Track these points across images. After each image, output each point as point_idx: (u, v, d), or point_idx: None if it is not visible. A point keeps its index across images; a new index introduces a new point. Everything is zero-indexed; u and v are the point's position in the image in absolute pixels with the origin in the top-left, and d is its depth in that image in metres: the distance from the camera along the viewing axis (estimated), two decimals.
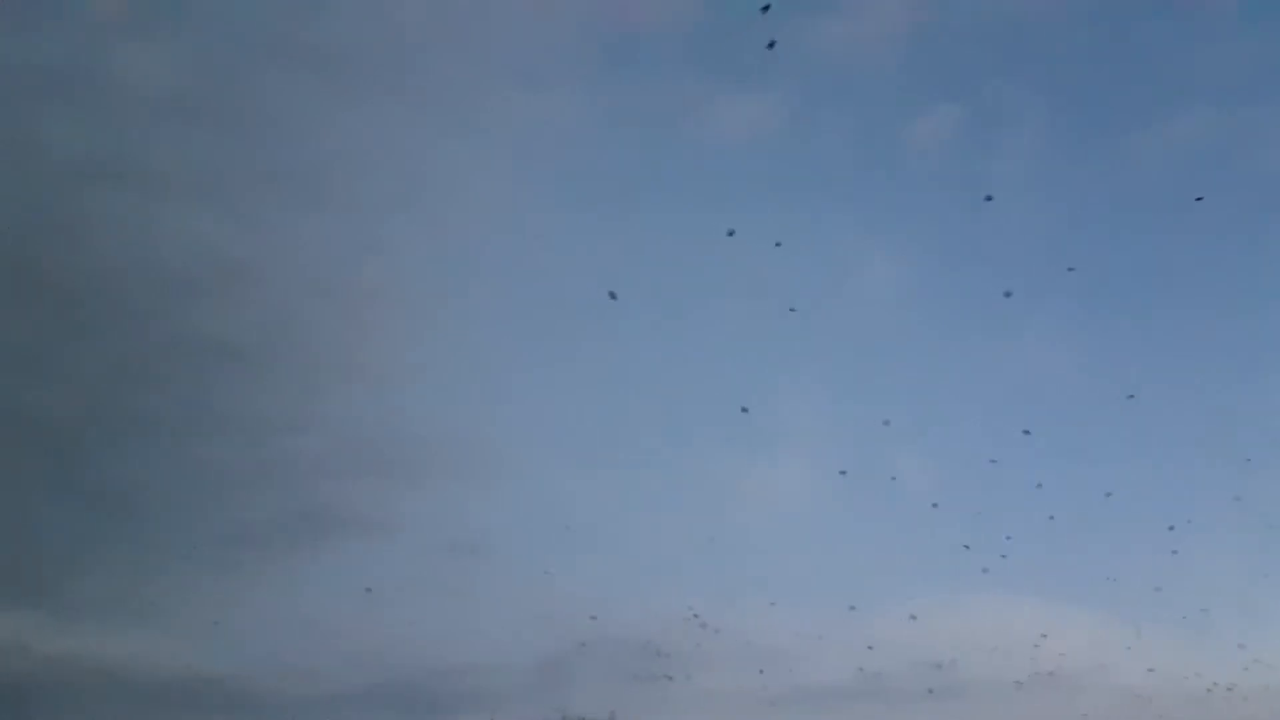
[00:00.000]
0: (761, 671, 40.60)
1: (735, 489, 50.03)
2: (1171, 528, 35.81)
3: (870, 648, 37.78)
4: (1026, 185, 56.82)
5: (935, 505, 36.22)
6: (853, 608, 38.70)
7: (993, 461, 39.06)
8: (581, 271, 55.80)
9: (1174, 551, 36.03)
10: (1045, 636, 37.40)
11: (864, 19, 55.75)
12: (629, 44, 57.58)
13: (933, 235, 57.10)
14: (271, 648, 37.27)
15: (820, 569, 46.57)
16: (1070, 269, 52.14)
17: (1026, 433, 38.31)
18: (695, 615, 41.02)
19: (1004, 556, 35.74)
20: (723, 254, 56.42)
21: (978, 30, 56.65)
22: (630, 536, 47.22)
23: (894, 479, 42.42)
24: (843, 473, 37.08)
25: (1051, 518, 36.45)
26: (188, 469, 38.53)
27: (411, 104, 53.95)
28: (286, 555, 40.99)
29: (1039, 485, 38.05)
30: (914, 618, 38.63)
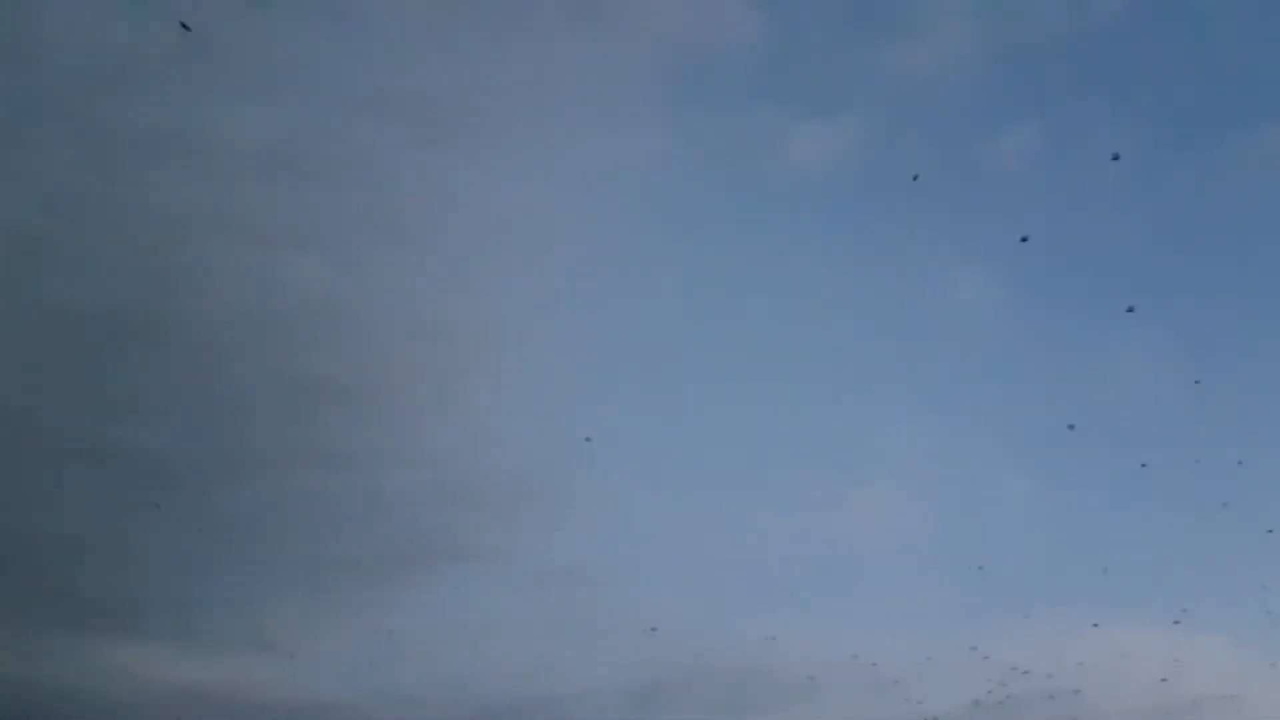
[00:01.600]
0: None
1: (836, 512, 49.41)
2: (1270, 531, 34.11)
3: (989, 674, 36.79)
4: (1112, 199, 55.52)
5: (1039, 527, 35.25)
6: (966, 632, 37.58)
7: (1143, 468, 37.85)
8: (667, 301, 56.28)
9: None
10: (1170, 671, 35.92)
11: (938, 40, 55.58)
12: (700, 77, 58.50)
13: (1021, 251, 56.03)
14: (374, 674, 38.04)
15: (929, 593, 45.46)
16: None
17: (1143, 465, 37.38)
18: (797, 640, 40.40)
19: (1120, 579, 34.59)
20: (808, 278, 56.32)
21: (1055, 45, 55.92)
22: (727, 563, 46.90)
23: (999, 497, 41.53)
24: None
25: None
26: (295, 503, 39.87)
27: (497, 149, 55.65)
28: (388, 584, 41.92)
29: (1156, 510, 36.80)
30: (1034, 644, 37.43)
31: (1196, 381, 41.13)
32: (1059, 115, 56.48)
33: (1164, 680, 36.02)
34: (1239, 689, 39.06)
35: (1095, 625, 37.61)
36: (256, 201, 47.67)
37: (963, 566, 46.99)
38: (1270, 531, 34.57)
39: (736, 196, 56.62)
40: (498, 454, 47.49)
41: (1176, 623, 36.27)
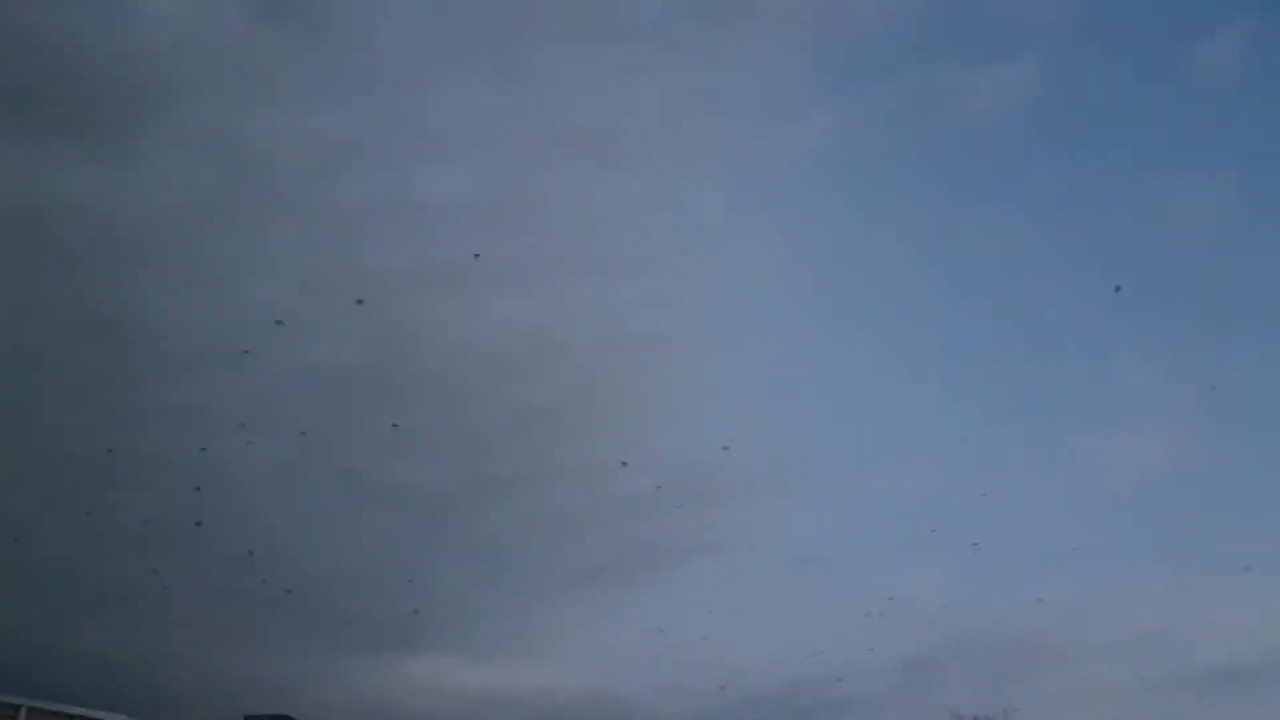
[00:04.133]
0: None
1: (1081, 463, 47.26)
2: None
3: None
4: None
5: None
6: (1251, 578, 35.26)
7: None
8: (866, 276, 55.90)
9: None
10: None
11: None
12: (861, 48, 58.23)
13: (1249, 157, 52.28)
14: (645, 670, 39.73)
15: (1193, 540, 42.85)
16: None
17: None
18: (1050, 603, 39.09)
19: None
20: (1013, 225, 54.42)
21: None
22: (974, 527, 45.89)
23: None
24: None
25: None
26: (542, 518, 42.38)
27: (673, 164, 57.50)
28: (640, 583, 43.76)
29: None
30: None
31: None
32: (1265, 9, 52.46)
33: None
34: None
35: None
36: (466, 251, 51.38)
37: (1233, 506, 44.03)
38: None
39: (921, 158, 55.74)
40: (717, 451, 48.68)
41: None
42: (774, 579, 43.34)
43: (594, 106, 56.98)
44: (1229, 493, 44.85)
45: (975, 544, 43.73)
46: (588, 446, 47.35)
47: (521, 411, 46.96)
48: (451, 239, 51.71)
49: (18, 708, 25.93)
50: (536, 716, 39.11)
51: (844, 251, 56.22)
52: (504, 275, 52.25)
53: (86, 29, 46.23)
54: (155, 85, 48.59)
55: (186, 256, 46.91)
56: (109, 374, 40.62)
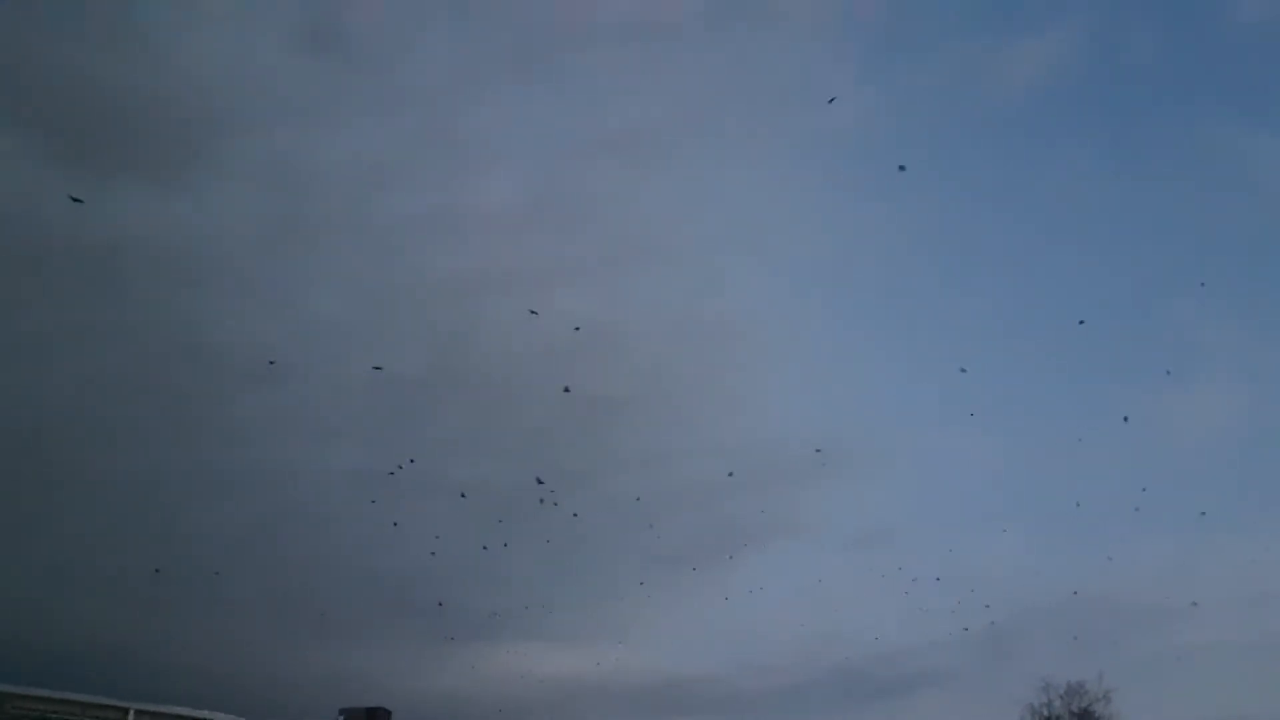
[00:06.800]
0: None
1: (1154, 420, 46.45)
2: None
3: None
4: None
5: None
6: None
7: None
8: (913, 252, 55.41)
9: None
10: None
11: None
12: (895, 28, 58.06)
13: None
14: (728, 650, 40.00)
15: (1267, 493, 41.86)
16: None
17: None
18: (1136, 565, 38.50)
19: None
20: (1067, 190, 53.76)
21: None
22: (1041, 498, 45.30)
23: None
24: None
25: None
26: (611, 506, 42.90)
27: (711, 157, 57.84)
28: (714, 566, 43.99)
29: None
30: None
31: None
32: None
33: None
34: None
35: None
36: (514, 253, 52.34)
37: None
38: None
39: (966, 128, 55.30)
40: (784, 435, 48.77)
41: None
42: (849, 556, 43.39)
43: (632, 107, 57.70)
44: None
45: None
46: (651, 434, 47.81)
47: (585, 402, 47.70)
48: (504, 243, 52.73)
49: (126, 710, 26.88)
50: (620, 697, 39.52)
51: (892, 228, 56.05)
52: (555, 273, 53.14)
53: (138, 71, 48.15)
54: (208, 120, 50.45)
55: (251, 277, 48.46)
56: (188, 391, 42.16)
